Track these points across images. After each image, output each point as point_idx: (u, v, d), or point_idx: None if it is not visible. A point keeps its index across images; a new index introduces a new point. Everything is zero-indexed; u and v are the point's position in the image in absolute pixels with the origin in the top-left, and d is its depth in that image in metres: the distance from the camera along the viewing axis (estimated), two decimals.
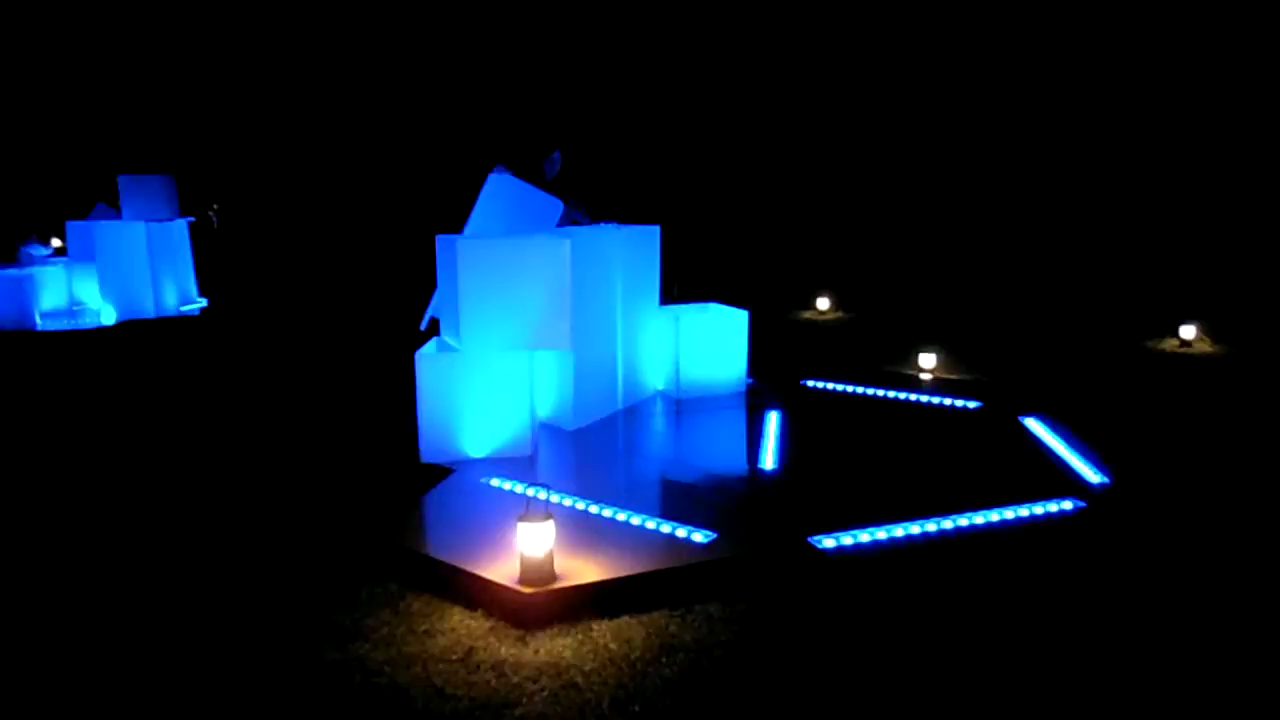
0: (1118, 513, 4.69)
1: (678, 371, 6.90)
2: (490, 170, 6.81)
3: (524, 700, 3.13)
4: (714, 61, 17.07)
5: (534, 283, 5.48)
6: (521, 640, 3.51)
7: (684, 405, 6.78)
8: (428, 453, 5.43)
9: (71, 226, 12.48)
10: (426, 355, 5.48)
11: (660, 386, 7.13)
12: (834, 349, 9.32)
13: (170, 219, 12.24)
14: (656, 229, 6.96)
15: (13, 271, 11.35)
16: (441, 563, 3.99)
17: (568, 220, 6.98)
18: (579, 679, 3.24)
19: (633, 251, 6.59)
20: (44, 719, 3.13)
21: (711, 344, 6.97)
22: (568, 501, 4.68)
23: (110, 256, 11.62)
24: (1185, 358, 8.64)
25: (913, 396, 6.91)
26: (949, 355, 8.13)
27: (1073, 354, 8.77)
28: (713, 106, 17.11)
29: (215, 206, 10.13)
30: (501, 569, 3.84)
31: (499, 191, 6.69)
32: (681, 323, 6.85)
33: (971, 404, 6.69)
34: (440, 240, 5.89)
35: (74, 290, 12.19)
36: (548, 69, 16.53)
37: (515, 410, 5.50)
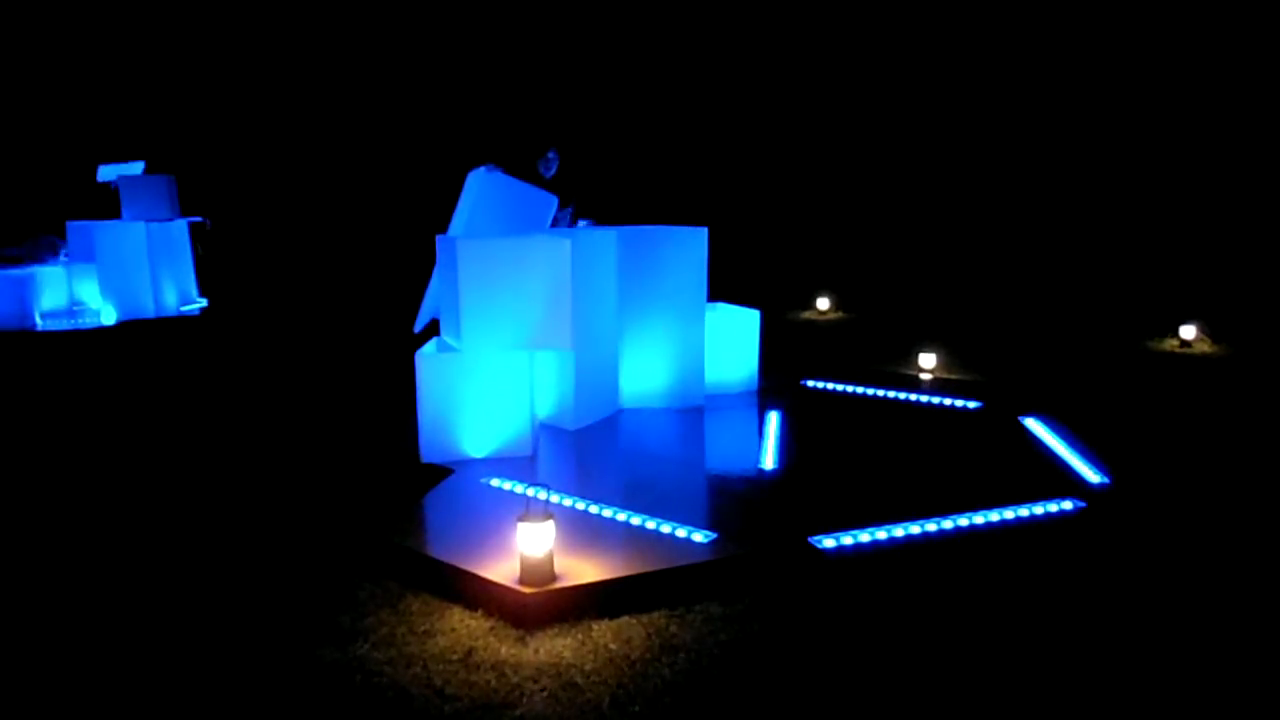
0: (1118, 513, 4.70)
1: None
2: (477, 168, 6.77)
3: (524, 700, 3.13)
4: (714, 61, 17.07)
5: (535, 283, 5.47)
6: (521, 640, 3.51)
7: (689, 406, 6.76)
8: (427, 453, 5.43)
9: (71, 226, 12.48)
10: (426, 355, 5.48)
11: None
12: (834, 349, 9.32)
13: (170, 219, 12.24)
14: (704, 231, 6.81)
15: (13, 271, 11.35)
16: (441, 563, 3.99)
17: (560, 218, 6.95)
18: (579, 679, 3.24)
19: (639, 251, 6.54)
20: (44, 719, 3.13)
21: (721, 344, 6.96)
22: (568, 501, 4.68)
23: (110, 256, 11.62)
24: (1185, 358, 8.64)
25: (913, 396, 6.91)
26: (949, 355, 8.13)
27: (1073, 354, 8.77)
28: (713, 107, 17.11)
29: (207, 226, 10.19)
30: (501, 569, 3.84)
31: (482, 189, 6.64)
32: None
33: (971, 404, 6.69)
34: (440, 241, 5.89)
35: (74, 290, 12.19)
36: (547, 70, 16.54)
37: (515, 410, 5.50)
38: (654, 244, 6.47)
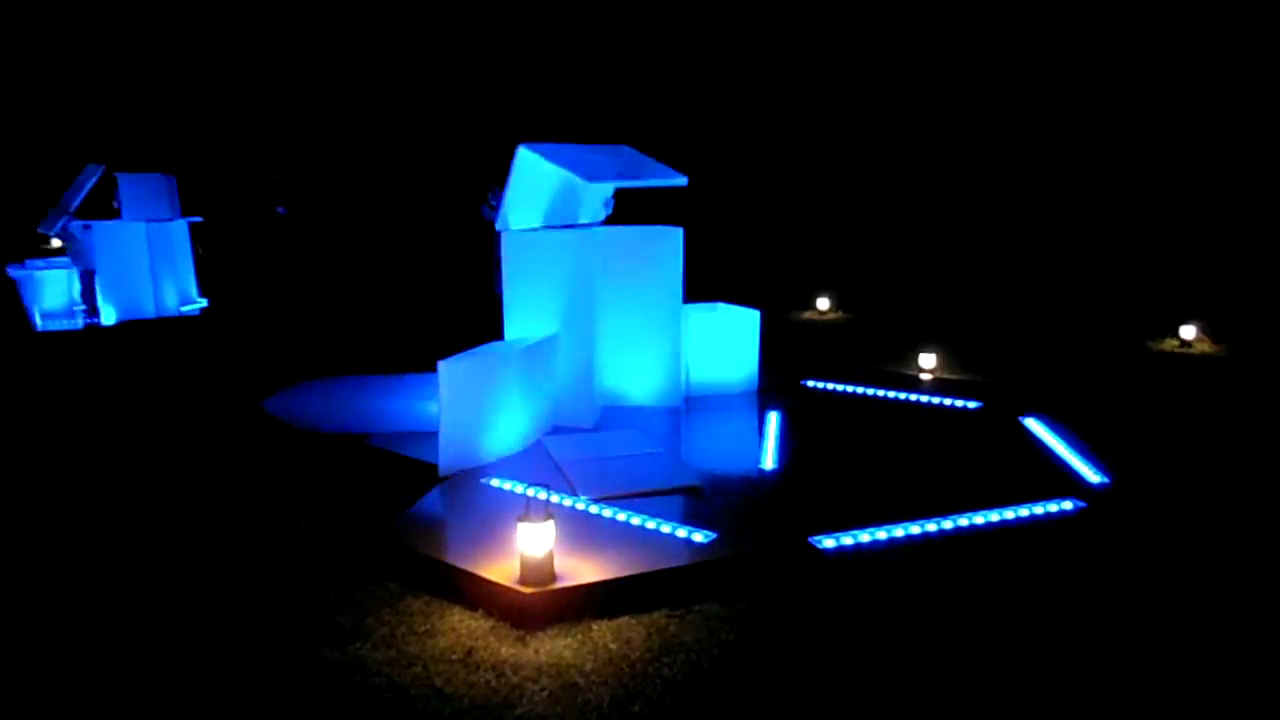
0: (1118, 513, 4.69)
1: (686, 371, 6.87)
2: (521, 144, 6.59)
3: (524, 700, 3.13)
4: (714, 60, 17.07)
5: None
6: (521, 640, 3.51)
7: (690, 405, 6.75)
8: (446, 464, 5.13)
9: (73, 226, 12.46)
10: (451, 362, 5.18)
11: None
12: (834, 349, 9.32)
13: (170, 219, 12.23)
14: (679, 231, 6.75)
15: (13, 271, 11.35)
16: (441, 563, 3.99)
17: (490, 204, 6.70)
18: (579, 679, 3.24)
19: (616, 252, 6.45)
20: (44, 719, 3.13)
21: (721, 344, 6.93)
22: (568, 502, 4.68)
23: (110, 256, 11.62)
24: (1185, 358, 8.64)
25: (913, 396, 6.91)
26: (949, 355, 8.13)
27: (1073, 354, 8.77)
28: (714, 107, 17.11)
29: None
30: (501, 569, 3.84)
31: (524, 167, 6.45)
32: (690, 322, 6.81)
33: (971, 404, 6.69)
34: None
35: (74, 290, 12.18)
36: (551, 68, 16.55)
37: (520, 410, 5.48)
38: (630, 244, 6.43)
